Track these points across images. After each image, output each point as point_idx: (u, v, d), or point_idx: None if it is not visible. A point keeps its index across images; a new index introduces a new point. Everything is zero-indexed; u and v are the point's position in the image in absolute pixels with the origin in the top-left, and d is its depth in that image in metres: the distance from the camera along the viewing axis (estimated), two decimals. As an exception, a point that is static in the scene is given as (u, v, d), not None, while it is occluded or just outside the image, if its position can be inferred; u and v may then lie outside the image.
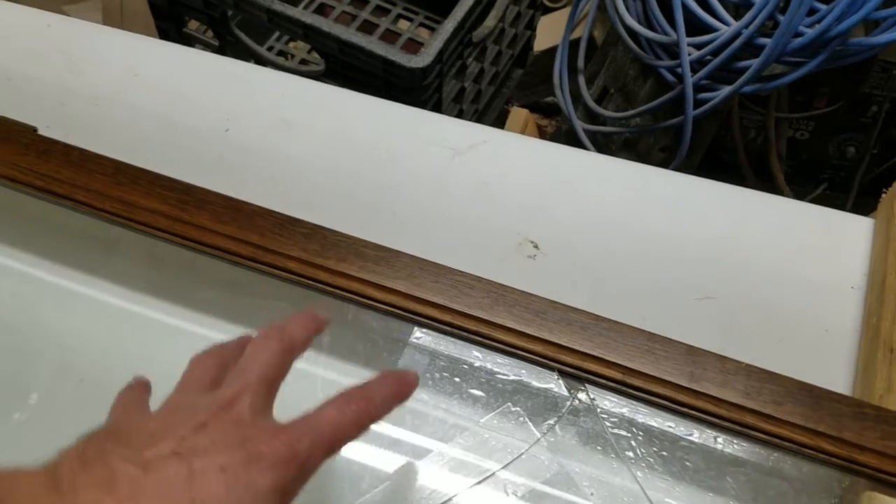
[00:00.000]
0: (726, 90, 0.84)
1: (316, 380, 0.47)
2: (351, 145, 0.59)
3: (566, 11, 1.12)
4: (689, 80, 0.84)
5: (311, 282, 0.46)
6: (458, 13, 0.75)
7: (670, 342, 0.44)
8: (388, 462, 0.45)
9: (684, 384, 0.43)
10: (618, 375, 0.44)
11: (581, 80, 1.02)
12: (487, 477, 0.44)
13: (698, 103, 0.86)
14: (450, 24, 0.73)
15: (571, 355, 0.44)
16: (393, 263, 0.46)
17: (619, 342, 0.44)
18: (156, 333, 0.50)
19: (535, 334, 0.44)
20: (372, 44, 0.71)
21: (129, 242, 0.52)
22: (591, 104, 1.00)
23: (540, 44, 1.11)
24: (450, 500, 0.44)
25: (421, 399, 0.47)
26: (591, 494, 0.46)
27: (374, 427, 0.34)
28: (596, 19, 1.04)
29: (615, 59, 0.98)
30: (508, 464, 0.44)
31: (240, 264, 0.47)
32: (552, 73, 1.02)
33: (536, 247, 0.54)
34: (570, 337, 0.44)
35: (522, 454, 0.45)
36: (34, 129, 0.52)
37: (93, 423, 0.32)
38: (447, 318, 0.45)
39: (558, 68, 1.01)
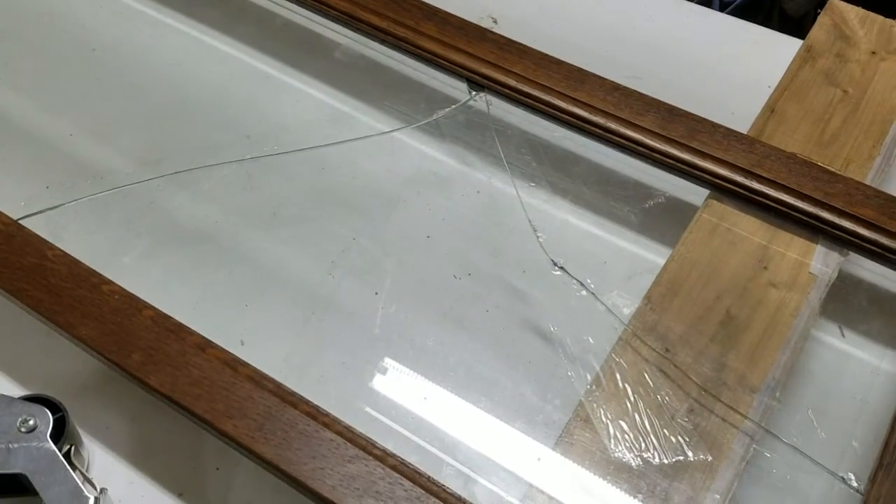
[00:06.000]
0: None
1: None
2: None
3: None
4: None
5: None
6: None
7: (560, 62, 0.52)
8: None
9: (566, 92, 0.51)
10: (511, 82, 0.52)
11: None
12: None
13: None
14: None
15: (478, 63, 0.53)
16: None
17: (526, 61, 0.52)
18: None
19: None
20: None
21: None
22: None
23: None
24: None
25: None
26: (477, 193, 0.55)
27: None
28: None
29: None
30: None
31: None
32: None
33: (495, 21, 0.63)
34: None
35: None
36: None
37: None
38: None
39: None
